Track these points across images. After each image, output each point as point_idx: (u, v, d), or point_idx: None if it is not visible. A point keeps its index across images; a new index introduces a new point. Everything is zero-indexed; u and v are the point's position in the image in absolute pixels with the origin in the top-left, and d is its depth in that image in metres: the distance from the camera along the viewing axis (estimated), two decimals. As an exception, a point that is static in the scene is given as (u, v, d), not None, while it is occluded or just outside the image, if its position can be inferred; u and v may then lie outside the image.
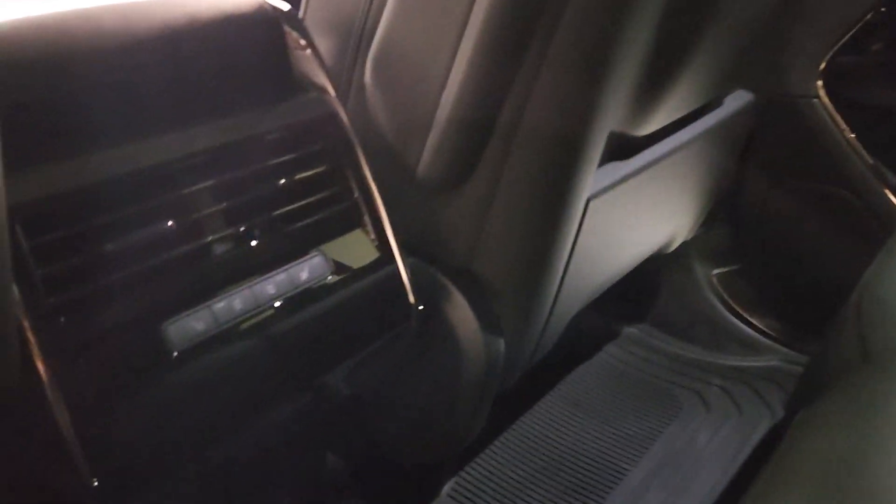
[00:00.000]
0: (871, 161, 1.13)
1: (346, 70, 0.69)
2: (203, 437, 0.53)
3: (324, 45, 0.69)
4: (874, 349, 0.65)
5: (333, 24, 0.71)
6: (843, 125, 1.13)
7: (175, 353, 0.50)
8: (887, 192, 1.12)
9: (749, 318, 1.33)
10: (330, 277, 0.60)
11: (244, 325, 0.54)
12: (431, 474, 0.97)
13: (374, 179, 0.64)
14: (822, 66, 1.11)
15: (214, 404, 0.53)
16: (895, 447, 0.52)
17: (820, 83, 1.11)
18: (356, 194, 0.63)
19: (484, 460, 1.03)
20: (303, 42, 0.63)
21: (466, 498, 0.98)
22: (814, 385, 0.77)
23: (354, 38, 0.69)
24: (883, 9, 1.13)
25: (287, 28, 0.62)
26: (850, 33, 1.10)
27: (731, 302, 1.34)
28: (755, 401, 1.20)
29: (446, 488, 0.98)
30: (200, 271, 0.53)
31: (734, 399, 1.20)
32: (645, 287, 1.35)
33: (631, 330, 1.36)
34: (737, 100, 1.03)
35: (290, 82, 0.62)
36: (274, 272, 0.57)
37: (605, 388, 1.22)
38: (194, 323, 0.51)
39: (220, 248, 0.54)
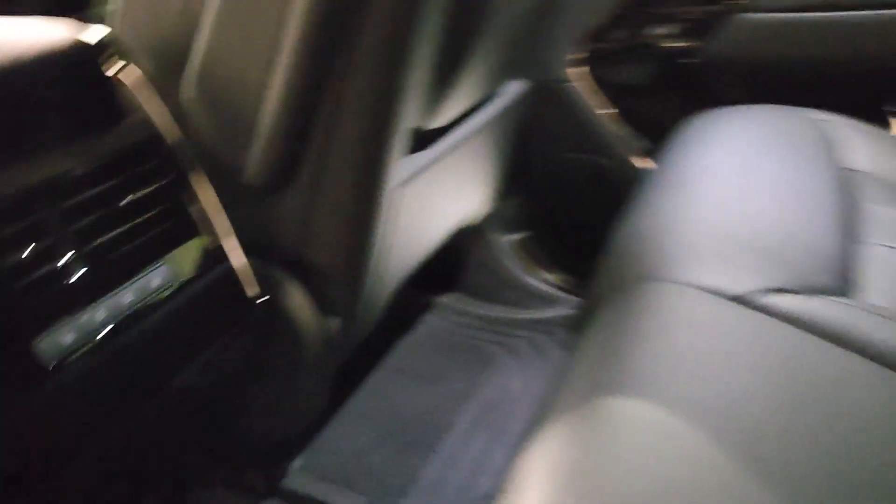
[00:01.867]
0: (616, 132, 1.34)
1: (172, 87, 0.75)
2: (74, 442, 0.58)
3: (145, 64, 0.74)
4: (622, 279, 0.82)
5: (153, 44, 0.76)
6: (592, 103, 1.33)
7: (50, 367, 0.55)
8: (631, 157, 1.34)
9: (544, 276, 1.52)
10: (175, 283, 0.67)
11: (107, 334, 0.60)
12: (283, 451, 1.05)
13: (210, 187, 0.71)
14: (574, 54, 1.31)
15: (85, 410, 0.58)
16: (633, 354, 0.67)
17: (572, 69, 1.31)
18: (191, 206, 0.70)
19: (329, 432, 1.12)
20: (122, 66, 0.68)
21: (317, 468, 1.06)
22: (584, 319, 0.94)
23: (175, 55, 0.75)
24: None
25: (105, 55, 0.67)
26: (596, 25, 1.30)
27: (527, 263, 1.52)
28: (556, 345, 1.38)
29: (297, 463, 1.06)
30: (60, 290, 0.58)
31: (539, 347, 1.38)
32: (453, 259, 1.50)
33: (443, 299, 1.50)
34: (515, 88, 1.18)
35: (111, 110, 0.67)
36: (126, 284, 0.62)
37: (427, 353, 1.35)
38: (62, 337, 0.56)
39: (74, 269, 0.59)
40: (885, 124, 1.27)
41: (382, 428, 1.15)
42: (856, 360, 0.66)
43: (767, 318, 0.69)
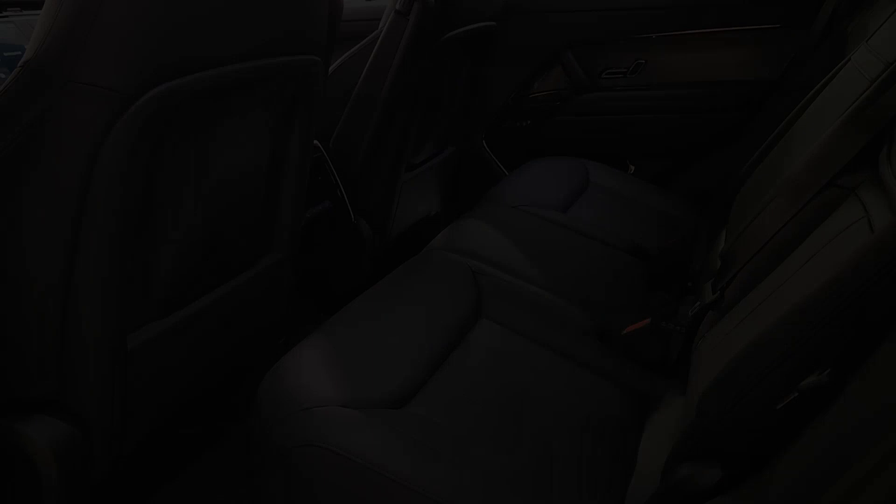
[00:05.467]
0: (505, 172, 2.75)
1: (325, 141, 2.10)
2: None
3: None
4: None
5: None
6: (494, 158, 2.74)
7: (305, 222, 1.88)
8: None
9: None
10: (329, 206, 2.01)
11: (313, 209, 1.93)
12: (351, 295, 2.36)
13: (337, 175, 2.06)
14: (484, 132, 2.72)
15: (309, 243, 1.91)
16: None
17: (483, 140, 2.72)
18: (333, 180, 2.05)
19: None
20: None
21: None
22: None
23: (326, 130, 2.10)
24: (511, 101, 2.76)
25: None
26: (495, 114, 2.71)
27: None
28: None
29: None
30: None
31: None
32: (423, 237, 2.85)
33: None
34: (450, 150, 2.58)
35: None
36: (319, 202, 1.97)
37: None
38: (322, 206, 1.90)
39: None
40: (625, 167, 2.71)
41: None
42: (564, 231, 2.02)
43: (526, 214, 2.05)
